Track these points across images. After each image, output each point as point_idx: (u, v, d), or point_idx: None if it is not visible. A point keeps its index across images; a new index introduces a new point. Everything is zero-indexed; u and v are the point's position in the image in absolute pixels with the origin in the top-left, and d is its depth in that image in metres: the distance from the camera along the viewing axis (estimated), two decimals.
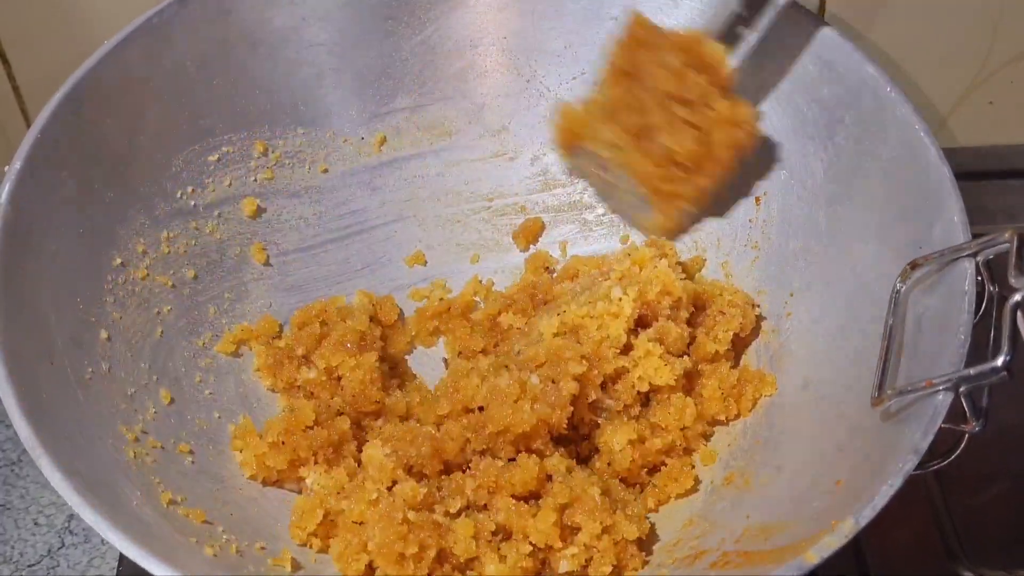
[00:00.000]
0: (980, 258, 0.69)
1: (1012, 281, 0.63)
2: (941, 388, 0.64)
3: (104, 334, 0.78)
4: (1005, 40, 1.01)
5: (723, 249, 0.91)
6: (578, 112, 0.87)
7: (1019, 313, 0.62)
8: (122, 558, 0.85)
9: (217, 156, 0.89)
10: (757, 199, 0.89)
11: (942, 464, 0.68)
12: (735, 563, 0.67)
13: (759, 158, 0.88)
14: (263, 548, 0.74)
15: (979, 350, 0.64)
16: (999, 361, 0.62)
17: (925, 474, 0.67)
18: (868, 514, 0.61)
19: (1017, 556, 0.83)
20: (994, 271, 0.69)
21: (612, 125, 0.85)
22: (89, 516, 0.61)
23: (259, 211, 0.91)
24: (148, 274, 0.83)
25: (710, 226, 0.91)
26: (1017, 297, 0.62)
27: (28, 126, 0.78)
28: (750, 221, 0.89)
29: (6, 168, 0.75)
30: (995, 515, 0.86)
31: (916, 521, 0.85)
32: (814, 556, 0.60)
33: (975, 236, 0.70)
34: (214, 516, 0.73)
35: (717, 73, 0.83)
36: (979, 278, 0.69)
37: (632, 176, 0.86)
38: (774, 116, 0.87)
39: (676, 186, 0.85)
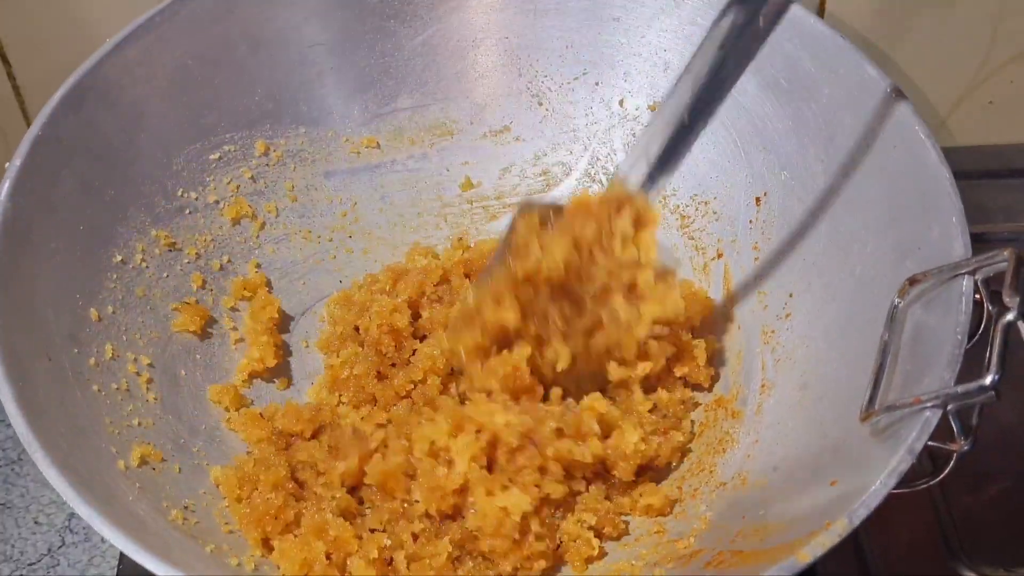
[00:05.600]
0: (979, 276, 0.68)
1: (1006, 300, 0.62)
2: (929, 405, 0.64)
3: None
4: (1005, 40, 1.01)
5: (723, 250, 0.91)
6: None
7: (1019, 327, 0.62)
8: (122, 556, 0.85)
9: (218, 155, 0.89)
10: (757, 200, 0.88)
11: (931, 483, 0.67)
12: (729, 562, 0.67)
13: (759, 159, 0.88)
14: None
15: (977, 369, 0.63)
16: (987, 380, 0.60)
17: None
18: (861, 513, 0.61)
19: (1017, 554, 0.83)
20: (993, 289, 0.67)
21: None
22: (84, 511, 0.62)
23: (260, 210, 0.92)
24: (148, 272, 0.83)
25: (711, 227, 0.92)
26: (1009, 316, 0.61)
27: (28, 126, 0.78)
28: (750, 222, 0.89)
29: (6, 166, 0.75)
30: (995, 514, 0.86)
31: (916, 520, 0.85)
32: (807, 555, 0.60)
33: (975, 252, 0.69)
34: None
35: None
36: (977, 296, 0.68)
37: None
38: (775, 117, 0.87)
39: None
